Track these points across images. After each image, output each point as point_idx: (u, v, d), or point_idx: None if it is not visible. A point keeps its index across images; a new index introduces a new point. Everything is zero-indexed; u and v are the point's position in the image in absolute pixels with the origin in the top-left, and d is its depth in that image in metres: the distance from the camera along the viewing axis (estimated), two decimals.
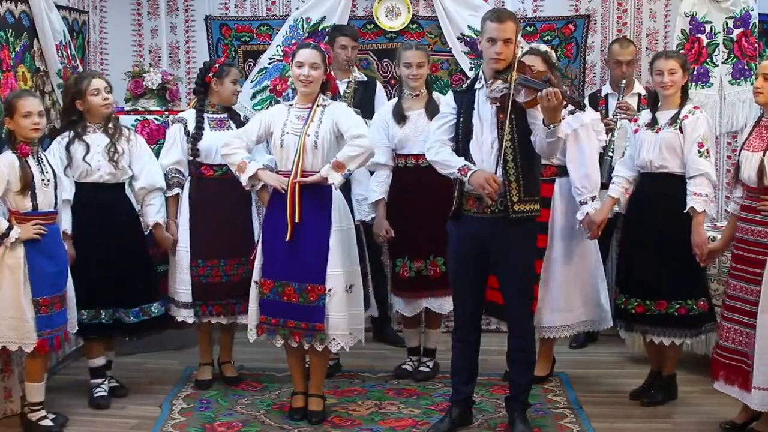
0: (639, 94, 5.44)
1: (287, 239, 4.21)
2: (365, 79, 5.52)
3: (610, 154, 5.02)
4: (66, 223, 4.37)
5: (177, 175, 4.76)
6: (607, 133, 5.01)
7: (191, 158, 4.75)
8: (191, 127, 4.76)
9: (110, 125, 4.58)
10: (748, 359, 3.92)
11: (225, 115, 4.86)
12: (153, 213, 4.68)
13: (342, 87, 5.39)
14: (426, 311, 5.00)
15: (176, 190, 4.77)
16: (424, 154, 4.65)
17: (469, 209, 4.02)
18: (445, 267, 4.77)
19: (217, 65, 4.83)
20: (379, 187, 4.85)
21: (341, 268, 4.24)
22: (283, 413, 4.46)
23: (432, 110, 4.76)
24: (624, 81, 5.31)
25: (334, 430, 4.28)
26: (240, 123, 4.85)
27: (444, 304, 4.91)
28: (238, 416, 4.44)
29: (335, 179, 4.21)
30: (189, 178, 4.79)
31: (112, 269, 4.53)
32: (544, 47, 4.63)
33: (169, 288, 4.85)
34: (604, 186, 4.69)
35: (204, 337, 4.93)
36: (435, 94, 4.92)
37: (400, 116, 4.82)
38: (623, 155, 4.72)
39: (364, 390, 4.83)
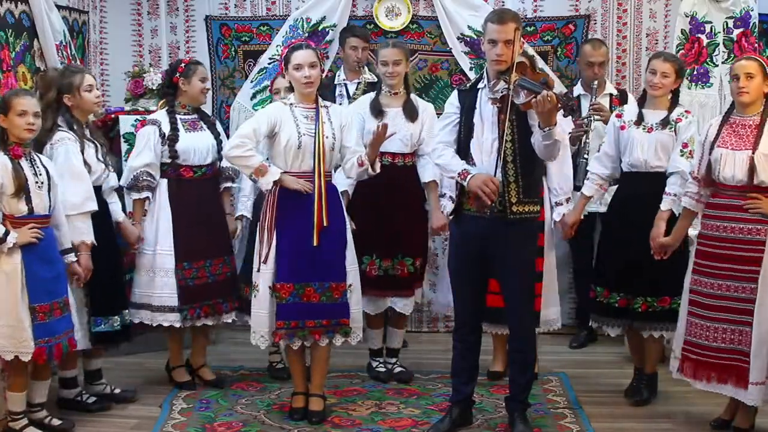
0: (610, 95, 5.47)
1: (315, 244, 4.19)
2: (375, 80, 5.51)
3: (585, 156, 4.97)
4: (89, 233, 4.24)
5: (147, 178, 4.63)
6: (582, 134, 5.04)
7: (170, 160, 4.66)
8: (166, 129, 4.67)
9: (88, 125, 4.49)
10: (745, 356, 3.94)
11: (195, 116, 4.79)
12: (119, 209, 4.61)
13: (352, 88, 5.40)
14: (390, 311, 4.99)
15: (145, 194, 4.66)
16: (400, 153, 4.72)
17: (468, 209, 4.01)
18: (413, 268, 4.82)
19: (183, 64, 4.77)
20: (345, 181, 4.71)
21: (355, 264, 4.36)
22: (283, 413, 4.46)
23: (410, 110, 4.77)
24: (596, 82, 5.31)
25: (334, 430, 4.28)
26: (210, 124, 4.83)
27: (408, 305, 4.91)
28: (238, 416, 4.43)
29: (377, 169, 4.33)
30: (167, 181, 4.69)
31: (117, 274, 4.54)
32: (530, 51, 4.62)
33: (135, 295, 4.72)
34: (579, 188, 4.71)
35: (176, 340, 4.86)
36: (413, 96, 4.90)
37: (377, 111, 4.76)
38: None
39: (364, 390, 4.83)
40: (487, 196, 3.86)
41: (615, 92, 5.50)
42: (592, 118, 5.15)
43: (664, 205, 4.34)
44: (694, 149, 4.33)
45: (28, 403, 4.14)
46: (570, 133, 5.09)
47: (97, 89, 4.52)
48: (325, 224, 4.20)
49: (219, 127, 4.92)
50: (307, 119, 4.27)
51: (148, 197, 4.69)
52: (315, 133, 4.24)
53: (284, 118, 4.27)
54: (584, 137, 5.04)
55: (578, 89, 5.52)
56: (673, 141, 4.41)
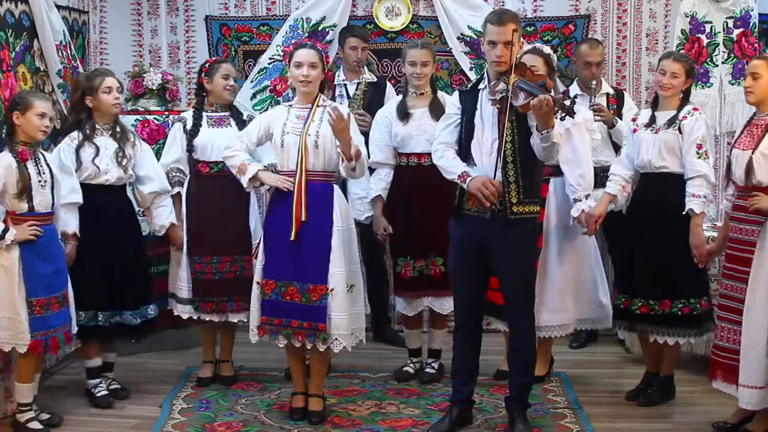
0: (607, 94, 5.46)
1: (291, 239, 4.20)
2: (375, 79, 5.51)
3: None
4: (72, 224, 4.36)
5: (178, 174, 4.80)
6: None
7: (188, 154, 4.77)
8: (189, 125, 4.79)
9: (117, 128, 4.58)
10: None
11: (226, 113, 4.87)
12: (167, 214, 4.71)
13: (352, 88, 5.40)
14: (429, 311, 5.00)
15: (177, 189, 4.80)
16: (427, 153, 4.67)
17: (469, 209, 4.01)
18: (445, 267, 4.76)
19: (207, 64, 4.86)
20: (377, 185, 4.84)
21: (343, 267, 4.25)
22: (283, 413, 4.46)
23: (436, 110, 4.76)
24: (594, 82, 5.30)
25: (334, 430, 4.28)
26: (241, 121, 4.86)
27: (445, 304, 4.88)
28: (238, 416, 4.44)
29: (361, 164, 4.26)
30: (189, 176, 4.81)
31: (115, 271, 4.53)
32: (547, 49, 4.60)
33: (170, 285, 4.89)
34: None
35: (206, 335, 4.95)
36: (440, 94, 4.91)
37: (403, 114, 4.80)
38: (618, 154, 4.72)
39: (364, 390, 4.83)
40: (486, 198, 3.86)
41: (611, 92, 5.49)
42: (593, 119, 5.13)
43: (697, 207, 4.24)
44: (708, 149, 4.29)
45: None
46: None
47: (119, 92, 4.57)
48: (303, 219, 4.19)
49: None
50: (298, 119, 4.30)
51: (179, 193, 4.80)
52: (301, 131, 4.25)
53: (278, 119, 4.33)
54: None
55: (575, 89, 5.51)
56: (678, 140, 4.33)
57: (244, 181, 4.33)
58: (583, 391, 4.77)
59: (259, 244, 4.41)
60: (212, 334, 4.97)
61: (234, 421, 4.37)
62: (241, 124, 4.82)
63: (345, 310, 4.24)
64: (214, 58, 5.09)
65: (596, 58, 5.39)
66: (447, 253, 4.65)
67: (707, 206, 4.32)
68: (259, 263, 4.34)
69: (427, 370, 5.00)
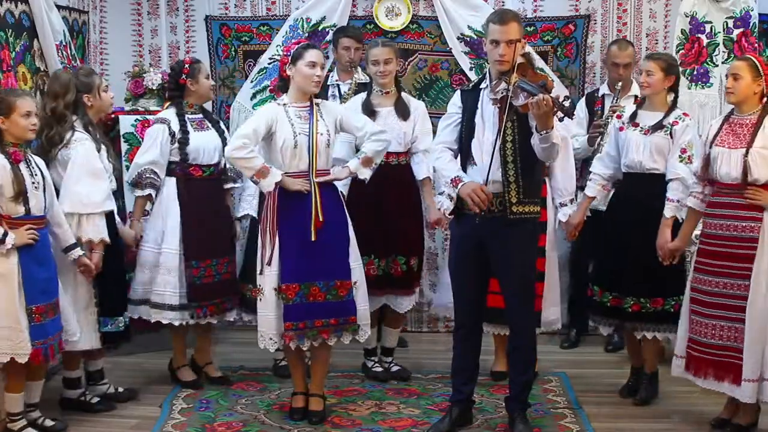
0: (635, 96, 5.43)
1: (312, 239, 4.19)
2: (368, 80, 5.50)
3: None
4: (105, 231, 4.26)
5: (152, 175, 4.63)
6: (598, 135, 5.04)
7: (179, 161, 4.65)
8: (175, 128, 4.66)
9: (98, 127, 4.50)
10: (739, 353, 3.97)
11: (201, 116, 4.79)
12: (115, 212, 4.56)
13: (344, 88, 5.40)
14: (386, 310, 4.97)
15: (148, 191, 4.65)
16: (393, 153, 4.71)
17: (468, 209, 4.01)
18: (406, 266, 4.82)
19: (186, 65, 4.75)
20: (338, 182, 4.70)
21: (357, 261, 4.34)
22: (283, 413, 4.46)
23: (401, 109, 4.78)
24: (620, 83, 5.30)
25: (334, 430, 4.28)
26: (214, 122, 4.84)
27: (403, 303, 4.91)
28: (238, 416, 4.44)
29: (366, 174, 4.36)
30: (175, 179, 4.68)
31: (121, 275, 4.55)
32: (527, 47, 4.62)
33: (136, 291, 4.71)
34: None
35: (180, 340, 4.87)
36: (404, 95, 4.90)
37: (369, 111, 4.75)
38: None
39: (364, 390, 4.83)
40: (476, 204, 3.87)
41: (639, 94, 5.48)
42: (611, 119, 5.14)
43: (668, 212, 4.32)
44: (692, 154, 4.34)
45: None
46: (588, 133, 5.11)
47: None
48: (321, 219, 4.19)
49: (222, 126, 4.92)
50: (301, 119, 4.26)
51: (150, 195, 4.68)
52: (309, 131, 4.23)
53: (279, 118, 4.25)
54: (599, 139, 5.03)
55: (603, 89, 5.52)
56: (669, 144, 4.39)
57: (268, 184, 4.19)
58: (583, 391, 4.77)
59: (271, 251, 4.23)
60: (185, 338, 4.88)
61: (234, 421, 4.37)
62: (216, 126, 4.81)
63: (365, 301, 4.37)
64: (189, 59, 4.94)
65: (624, 59, 5.36)
66: (409, 253, 4.79)
67: (680, 210, 4.35)
68: (272, 269, 4.23)
69: (395, 368, 4.99)
